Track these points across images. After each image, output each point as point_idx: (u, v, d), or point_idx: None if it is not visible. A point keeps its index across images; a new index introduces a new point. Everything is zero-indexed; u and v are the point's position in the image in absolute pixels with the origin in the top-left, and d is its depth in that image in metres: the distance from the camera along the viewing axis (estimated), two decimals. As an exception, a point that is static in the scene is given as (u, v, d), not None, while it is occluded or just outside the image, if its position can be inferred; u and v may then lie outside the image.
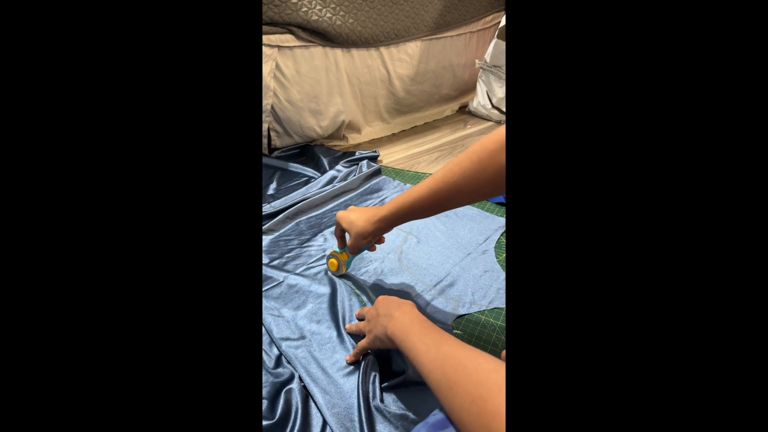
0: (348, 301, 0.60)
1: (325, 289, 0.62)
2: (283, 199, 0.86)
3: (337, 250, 0.65)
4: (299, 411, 0.45)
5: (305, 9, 0.93)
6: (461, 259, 0.71)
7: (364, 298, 0.62)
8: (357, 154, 1.06)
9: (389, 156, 1.14)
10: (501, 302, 0.62)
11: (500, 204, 0.88)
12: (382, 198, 0.91)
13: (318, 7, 0.95)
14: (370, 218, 0.57)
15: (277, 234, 0.77)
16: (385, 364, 0.50)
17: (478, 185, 0.47)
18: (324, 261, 0.70)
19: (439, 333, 0.39)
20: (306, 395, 0.47)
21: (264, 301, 0.60)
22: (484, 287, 0.65)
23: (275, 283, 0.64)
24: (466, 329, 0.57)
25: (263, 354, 0.52)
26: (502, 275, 0.68)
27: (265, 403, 0.45)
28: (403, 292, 0.64)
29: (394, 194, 0.93)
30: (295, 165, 1.03)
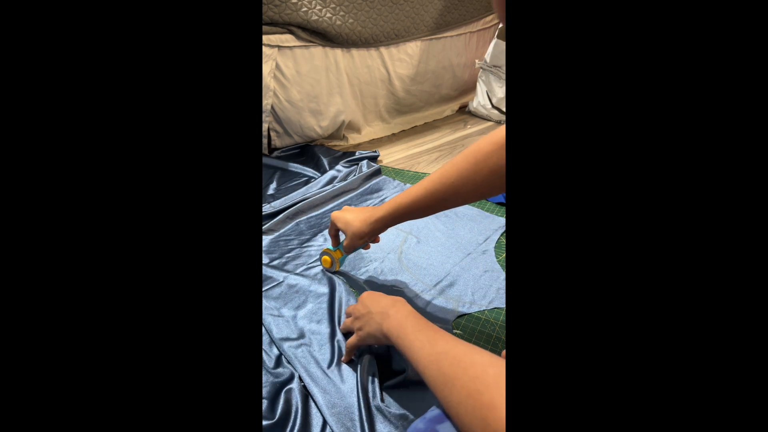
0: (347, 301, 0.60)
1: (325, 289, 0.62)
2: (283, 199, 0.86)
3: (331, 248, 0.66)
4: (299, 411, 0.45)
5: (305, 9, 0.93)
6: (461, 259, 0.71)
7: (364, 298, 0.62)
8: (357, 154, 1.06)
9: (389, 156, 1.14)
10: (501, 302, 0.62)
11: (500, 204, 0.88)
12: (382, 198, 0.91)
13: (318, 7, 0.95)
14: (367, 219, 0.57)
15: (277, 234, 0.77)
16: (385, 363, 0.50)
17: (473, 185, 0.48)
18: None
19: (434, 329, 0.40)
20: (306, 395, 0.47)
21: (264, 301, 0.60)
22: (484, 287, 0.65)
23: (275, 283, 0.64)
24: (466, 329, 0.57)
25: (263, 354, 0.52)
26: (502, 275, 0.68)
27: (265, 403, 0.45)
28: (403, 292, 0.64)
29: (394, 194, 0.93)
30: (295, 165, 1.03)
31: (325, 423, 0.44)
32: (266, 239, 0.75)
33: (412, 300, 0.62)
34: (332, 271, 0.66)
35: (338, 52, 1.05)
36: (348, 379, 0.49)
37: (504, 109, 1.38)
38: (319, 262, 0.68)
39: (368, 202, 0.90)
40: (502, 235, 0.78)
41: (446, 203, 0.52)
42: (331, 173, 0.96)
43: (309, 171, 1.00)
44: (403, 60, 1.20)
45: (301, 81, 1.02)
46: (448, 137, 1.28)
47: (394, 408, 0.46)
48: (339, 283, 0.63)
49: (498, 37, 1.32)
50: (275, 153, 1.09)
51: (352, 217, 0.58)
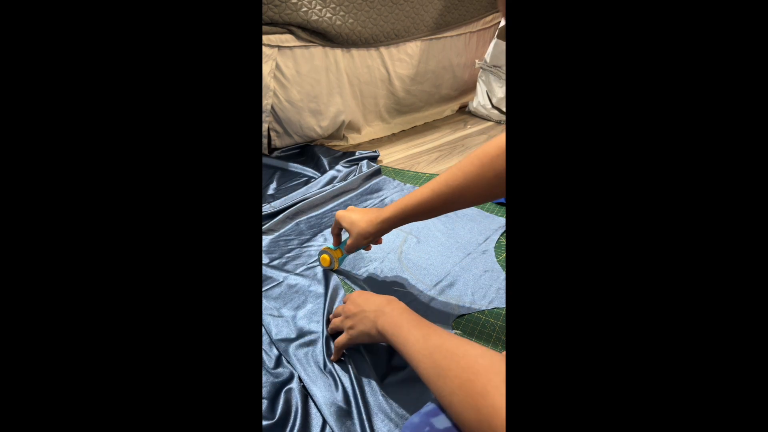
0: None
1: (325, 290, 0.62)
2: (283, 199, 0.86)
3: (332, 246, 0.65)
4: (299, 411, 0.45)
5: (305, 9, 0.93)
6: (461, 259, 0.71)
7: (364, 298, 0.62)
8: (357, 154, 1.06)
9: (389, 156, 1.14)
10: (501, 302, 0.62)
11: (500, 204, 0.88)
12: (382, 198, 0.91)
13: (318, 7, 0.95)
14: (373, 219, 0.57)
15: (277, 234, 0.77)
16: (384, 362, 0.50)
17: (479, 188, 0.48)
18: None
19: (428, 325, 0.40)
20: (306, 395, 0.47)
21: (264, 301, 0.60)
22: (484, 287, 0.65)
23: (275, 283, 0.64)
24: (466, 329, 0.57)
25: (263, 354, 0.52)
26: (502, 275, 0.68)
27: (265, 403, 0.45)
28: (403, 292, 0.64)
29: (394, 194, 0.93)
30: (295, 165, 1.03)
31: (324, 423, 0.44)
32: (266, 239, 0.75)
33: (412, 300, 0.62)
34: (331, 270, 0.66)
35: (338, 52, 1.05)
36: (347, 378, 0.49)
37: (504, 109, 1.38)
38: (318, 262, 0.68)
39: (368, 202, 0.90)
40: (502, 235, 0.78)
41: (452, 205, 0.52)
42: (331, 173, 0.96)
43: (309, 171, 1.00)
44: (403, 60, 1.20)
45: (301, 81, 1.02)
46: (448, 137, 1.28)
47: (393, 406, 0.46)
48: (339, 284, 0.63)
49: (498, 37, 1.32)
50: (275, 153, 1.09)
51: (357, 216, 0.59)
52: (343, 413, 0.45)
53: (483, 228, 0.80)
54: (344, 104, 1.13)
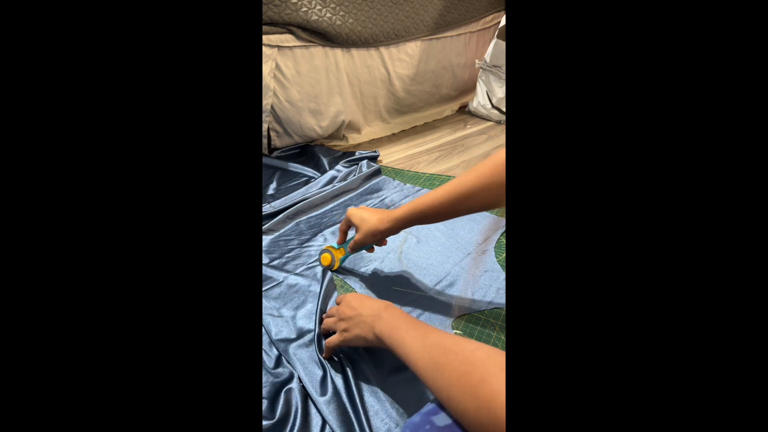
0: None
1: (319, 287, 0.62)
2: (283, 199, 0.86)
3: (334, 245, 0.65)
4: (299, 411, 0.45)
5: (305, 9, 0.93)
6: (461, 259, 0.71)
7: (364, 298, 0.62)
8: (357, 154, 1.06)
9: (389, 156, 1.14)
10: (501, 302, 0.62)
11: (500, 204, 0.88)
12: (382, 198, 0.91)
13: (318, 7, 0.95)
14: (384, 218, 0.57)
15: (277, 234, 0.77)
16: (384, 362, 0.50)
17: (491, 191, 0.49)
18: (324, 261, 0.70)
19: (426, 326, 0.41)
20: (305, 395, 0.47)
21: (264, 301, 0.60)
22: (484, 287, 0.65)
23: (275, 283, 0.64)
24: (466, 329, 0.57)
25: (263, 354, 0.52)
26: (502, 275, 0.68)
27: (265, 403, 0.45)
28: (403, 292, 0.64)
29: (394, 194, 0.93)
30: (295, 165, 1.03)
31: (324, 422, 0.44)
32: (266, 239, 0.75)
33: (412, 300, 0.62)
34: (330, 270, 0.66)
35: (338, 52, 1.05)
36: (347, 378, 0.49)
37: (504, 109, 1.38)
38: (318, 261, 0.68)
39: (368, 202, 0.90)
40: (502, 235, 0.78)
41: (463, 208, 0.53)
42: (331, 173, 0.96)
43: (309, 171, 1.00)
44: (403, 60, 1.20)
45: (301, 81, 1.02)
46: (448, 137, 1.28)
47: (393, 406, 0.46)
48: (333, 281, 0.63)
49: (498, 37, 1.31)
50: (275, 153, 1.09)
51: (368, 214, 0.59)
52: (343, 413, 0.45)
53: (483, 228, 0.80)
54: (344, 104, 1.13)
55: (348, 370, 0.49)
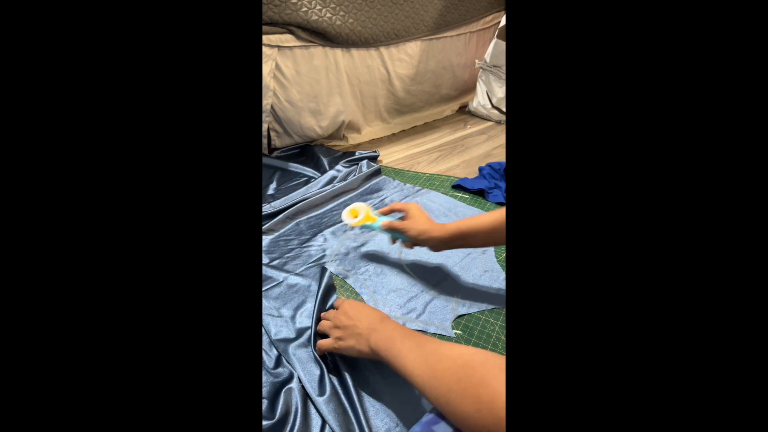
0: (348, 301, 0.60)
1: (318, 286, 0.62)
2: (283, 199, 0.86)
3: (371, 208, 0.65)
4: (299, 411, 0.45)
5: (305, 9, 0.93)
6: (461, 259, 0.71)
7: (364, 298, 0.62)
8: (357, 154, 1.06)
9: (389, 156, 1.14)
10: (501, 302, 0.62)
11: (500, 204, 0.88)
12: (382, 198, 0.91)
13: (318, 7, 0.95)
14: (437, 226, 0.59)
15: (277, 234, 0.77)
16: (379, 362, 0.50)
17: None
18: (324, 260, 0.70)
19: (420, 336, 0.41)
20: (305, 395, 0.47)
21: (264, 301, 0.60)
22: (484, 287, 0.65)
23: (275, 283, 0.64)
24: (466, 329, 0.57)
25: (263, 354, 0.52)
26: (502, 275, 0.68)
27: (265, 403, 0.45)
28: (403, 292, 0.64)
29: (394, 194, 0.93)
30: (295, 165, 1.03)
31: (324, 423, 0.44)
32: (266, 239, 0.75)
33: (412, 300, 0.62)
34: (348, 228, 0.66)
35: (338, 52, 1.05)
36: (346, 378, 0.49)
37: (504, 109, 1.38)
38: (323, 262, 0.68)
39: (368, 202, 0.90)
40: (502, 235, 0.78)
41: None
42: (331, 173, 0.96)
43: (309, 171, 1.00)
44: (403, 60, 1.20)
45: (300, 81, 1.02)
46: (448, 137, 1.28)
47: (393, 407, 0.46)
48: (333, 282, 0.63)
49: (498, 37, 1.31)
50: (275, 153, 1.09)
51: (426, 217, 0.61)
52: (343, 412, 0.45)
53: (483, 228, 0.80)
54: (344, 104, 1.13)
55: (346, 369, 0.49)
